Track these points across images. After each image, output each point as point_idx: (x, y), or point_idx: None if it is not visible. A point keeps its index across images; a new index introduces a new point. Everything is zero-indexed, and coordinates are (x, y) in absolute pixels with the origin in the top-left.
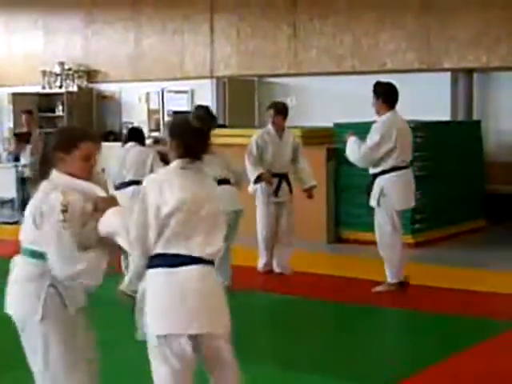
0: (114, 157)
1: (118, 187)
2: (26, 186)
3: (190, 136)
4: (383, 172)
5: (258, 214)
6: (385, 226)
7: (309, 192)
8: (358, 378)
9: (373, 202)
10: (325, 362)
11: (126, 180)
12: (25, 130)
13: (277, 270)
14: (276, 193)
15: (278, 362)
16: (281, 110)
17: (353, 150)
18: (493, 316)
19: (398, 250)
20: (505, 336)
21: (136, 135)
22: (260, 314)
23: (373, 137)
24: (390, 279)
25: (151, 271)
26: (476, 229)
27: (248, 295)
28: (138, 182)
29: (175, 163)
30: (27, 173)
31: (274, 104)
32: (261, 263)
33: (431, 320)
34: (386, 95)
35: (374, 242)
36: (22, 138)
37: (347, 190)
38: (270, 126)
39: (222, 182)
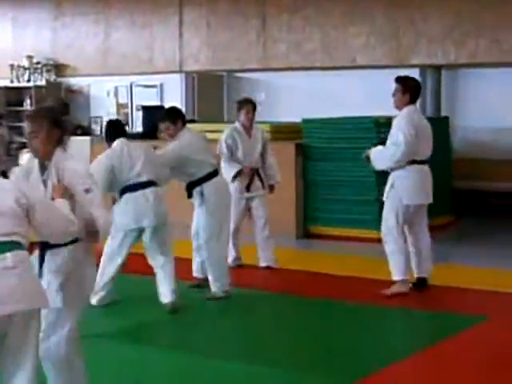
0: (107, 158)
1: (129, 189)
2: None
3: None
4: (400, 166)
5: None
6: (388, 219)
7: (272, 187)
8: (326, 371)
9: (384, 196)
10: (293, 355)
11: (143, 180)
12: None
13: (263, 264)
14: (248, 188)
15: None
16: (255, 106)
17: (384, 156)
18: (462, 311)
19: (401, 245)
20: (469, 331)
21: (122, 130)
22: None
23: (405, 131)
24: (396, 277)
25: None
26: (444, 224)
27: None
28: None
29: None
30: None
31: (249, 100)
32: (229, 259)
33: (396, 316)
34: (415, 91)
35: (342, 238)
36: None
37: (315, 186)
38: (237, 124)
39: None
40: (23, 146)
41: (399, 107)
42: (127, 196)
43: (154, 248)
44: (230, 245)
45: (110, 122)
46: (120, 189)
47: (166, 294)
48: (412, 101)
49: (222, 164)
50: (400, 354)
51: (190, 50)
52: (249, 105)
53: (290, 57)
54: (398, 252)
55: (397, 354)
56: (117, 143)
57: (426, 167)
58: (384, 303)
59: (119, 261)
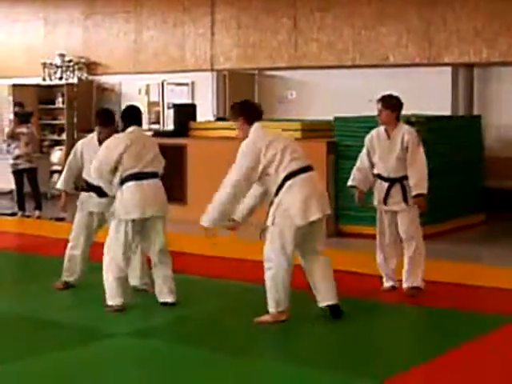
0: (115, 144)
1: (132, 178)
2: (21, 177)
3: None
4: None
5: None
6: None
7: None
8: (353, 370)
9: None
10: (322, 355)
11: (148, 170)
12: (18, 128)
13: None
14: (385, 200)
15: (282, 356)
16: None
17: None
18: (491, 311)
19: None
20: (502, 331)
21: (139, 117)
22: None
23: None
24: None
25: None
26: (475, 223)
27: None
28: (157, 175)
29: None
30: (22, 164)
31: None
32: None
33: (429, 314)
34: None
35: (373, 236)
36: (22, 118)
37: (346, 184)
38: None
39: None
40: (55, 143)
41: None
42: (131, 184)
43: (152, 239)
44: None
45: (129, 108)
46: (123, 177)
47: (165, 293)
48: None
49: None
50: (427, 354)
51: (222, 49)
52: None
53: (321, 55)
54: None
55: (424, 354)
56: (130, 130)
57: None
58: (413, 302)
59: (120, 251)
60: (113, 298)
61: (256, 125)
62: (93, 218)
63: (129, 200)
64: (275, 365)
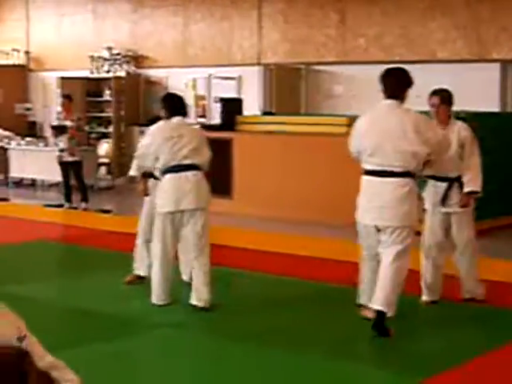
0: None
1: (170, 170)
2: (66, 169)
3: None
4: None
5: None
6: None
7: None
8: (391, 368)
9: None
10: (363, 351)
11: (187, 162)
12: (62, 122)
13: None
14: (443, 202)
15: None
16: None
17: None
18: None
19: None
20: None
21: (183, 106)
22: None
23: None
24: None
25: None
26: None
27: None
28: (197, 168)
29: None
30: (66, 157)
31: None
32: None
33: (466, 313)
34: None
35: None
36: (58, 130)
37: None
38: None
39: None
40: (102, 135)
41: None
42: (168, 177)
43: (187, 233)
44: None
45: (172, 96)
46: (162, 169)
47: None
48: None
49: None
50: (467, 354)
51: (269, 43)
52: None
53: (369, 50)
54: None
55: (463, 354)
56: (173, 121)
57: None
58: (454, 300)
59: (159, 246)
60: (155, 296)
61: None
62: None
63: (164, 192)
64: (316, 359)
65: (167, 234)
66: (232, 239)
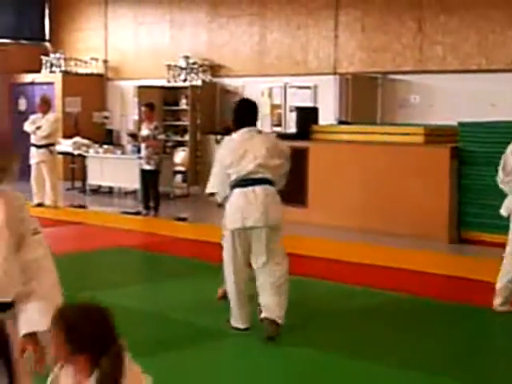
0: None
1: (238, 185)
2: (145, 177)
3: None
4: None
5: None
6: None
7: None
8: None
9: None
10: (447, 365)
11: (256, 177)
12: (140, 130)
13: None
14: None
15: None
16: None
17: None
18: None
19: None
20: None
21: (254, 114)
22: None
23: None
24: None
25: None
26: None
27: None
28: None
29: None
30: (144, 165)
31: None
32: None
33: None
34: None
35: (496, 244)
36: (135, 138)
37: (470, 190)
38: None
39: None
40: (178, 144)
41: None
42: (236, 191)
43: (255, 251)
44: None
45: (243, 104)
46: (231, 183)
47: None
48: None
49: None
50: None
51: (345, 52)
52: None
53: (446, 59)
54: None
55: None
56: (242, 132)
57: None
58: None
59: (231, 267)
60: (233, 318)
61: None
62: None
63: (232, 208)
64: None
65: (237, 253)
66: (305, 248)
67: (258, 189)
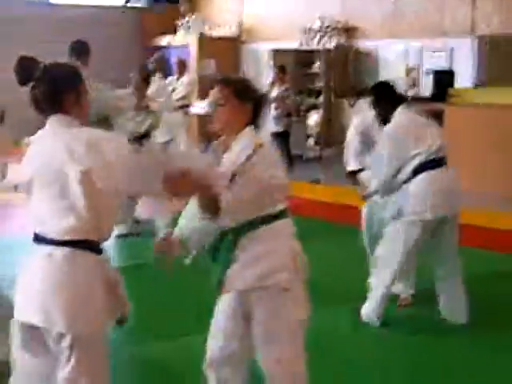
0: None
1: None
2: (274, 140)
3: None
4: None
5: None
6: None
7: None
8: None
9: None
10: None
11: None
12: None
13: None
14: None
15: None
16: None
17: None
18: None
19: None
20: None
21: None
22: None
23: None
24: None
25: None
26: None
27: None
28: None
29: None
30: (273, 127)
31: None
32: None
33: None
34: None
35: None
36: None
37: None
38: None
39: None
40: (312, 107)
41: None
42: (422, 176)
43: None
44: None
45: (382, 86)
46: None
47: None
48: None
49: None
50: None
51: (482, 14)
52: None
53: None
54: None
55: None
56: (399, 111)
57: None
58: None
59: (395, 266)
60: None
61: None
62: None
63: (420, 196)
64: None
65: (415, 248)
66: None
67: (444, 171)
